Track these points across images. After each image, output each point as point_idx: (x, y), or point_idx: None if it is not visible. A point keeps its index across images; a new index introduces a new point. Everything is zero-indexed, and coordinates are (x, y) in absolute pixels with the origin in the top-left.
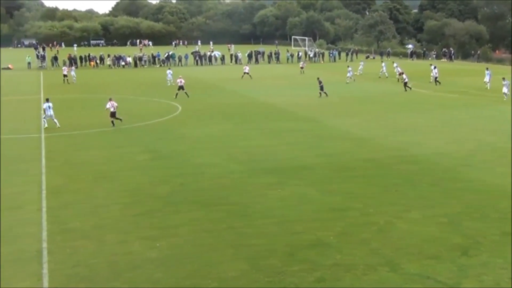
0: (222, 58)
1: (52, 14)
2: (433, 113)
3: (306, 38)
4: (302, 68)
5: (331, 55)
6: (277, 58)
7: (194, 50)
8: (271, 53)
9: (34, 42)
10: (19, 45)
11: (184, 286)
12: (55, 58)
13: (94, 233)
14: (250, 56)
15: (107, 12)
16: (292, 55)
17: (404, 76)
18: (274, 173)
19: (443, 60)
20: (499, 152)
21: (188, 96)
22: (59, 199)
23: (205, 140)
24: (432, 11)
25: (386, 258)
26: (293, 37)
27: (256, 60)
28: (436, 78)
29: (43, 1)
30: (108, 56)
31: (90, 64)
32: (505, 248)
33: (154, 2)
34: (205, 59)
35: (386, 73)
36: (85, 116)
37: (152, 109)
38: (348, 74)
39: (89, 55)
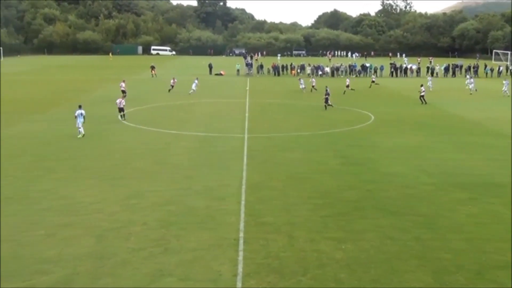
0: (418, 71)
1: (260, 26)
2: None
3: (510, 52)
4: (313, 86)
5: None
6: (476, 72)
7: (391, 62)
8: (469, 66)
9: (243, 51)
10: (230, 54)
11: None
12: (261, 66)
13: (285, 228)
14: (447, 69)
15: (310, 24)
16: (492, 70)
17: (422, 88)
18: (465, 188)
19: None
20: None
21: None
22: (256, 194)
23: (395, 150)
24: None
25: None
26: (494, 50)
27: (453, 73)
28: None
29: (253, 14)
30: (309, 65)
31: (291, 73)
32: None
33: (354, 15)
34: (401, 71)
35: None
36: (284, 120)
37: (345, 117)
38: None
39: (291, 64)
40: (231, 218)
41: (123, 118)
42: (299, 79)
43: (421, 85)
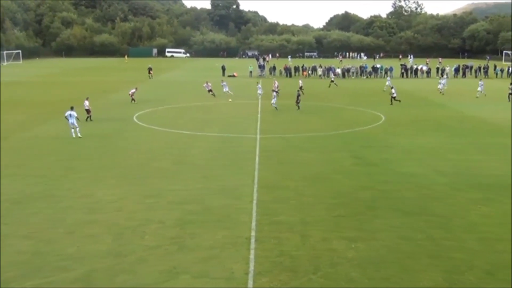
0: (428, 72)
1: (273, 28)
2: None
3: None
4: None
5: None
6: (486, 73)
7: (401, 63)
8: (479, 67)
9: (256, 53)
10: (243, 56)
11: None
12: (273, 68)
13: (299, 228)
14: (457, 70)
15: (321, 26)
16: (502, 70)
17: (392, 90)
18: (480, 188)
19: None
20: None
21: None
22: (270, 194)
23: (409, 150)
24: None
25: None
26: (504, 51)
27: (464, 74)
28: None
29: (266, 17)
30: (320, 67)
31: (303, 74)
32: None
33: (365, 17)
34: (411, 72)
35: None
36: (298, 121)
37: (357, 117)
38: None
39: (303, 66)
40: (244, 217)
41: (88, 120)
42: (257, 83)
43: (392, 87)
